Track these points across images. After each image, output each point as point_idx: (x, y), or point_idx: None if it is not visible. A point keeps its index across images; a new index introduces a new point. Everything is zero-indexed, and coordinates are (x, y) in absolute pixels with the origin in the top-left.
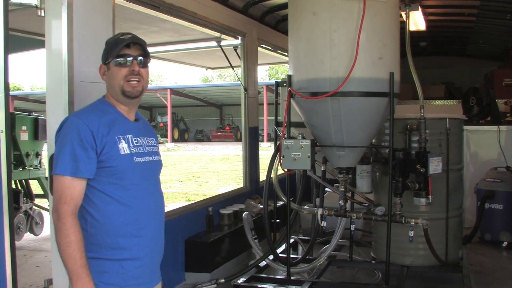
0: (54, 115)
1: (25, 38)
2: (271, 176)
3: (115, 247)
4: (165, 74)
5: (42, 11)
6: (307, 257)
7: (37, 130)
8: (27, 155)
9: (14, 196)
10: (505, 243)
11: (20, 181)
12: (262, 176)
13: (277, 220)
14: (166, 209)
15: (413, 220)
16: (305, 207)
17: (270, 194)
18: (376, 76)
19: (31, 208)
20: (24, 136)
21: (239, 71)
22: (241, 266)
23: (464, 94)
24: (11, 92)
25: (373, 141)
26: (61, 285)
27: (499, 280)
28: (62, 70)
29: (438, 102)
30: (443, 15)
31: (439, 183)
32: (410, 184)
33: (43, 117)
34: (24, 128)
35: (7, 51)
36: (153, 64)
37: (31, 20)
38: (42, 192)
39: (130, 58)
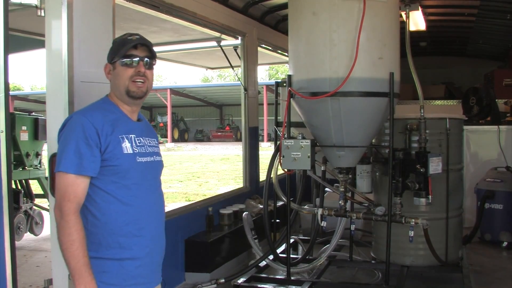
0: (54, 115)
1: (25, 38)
2: (271, 176)
3: (115, 246)
4: (165, 74)
5: (42, 11)
6: (307, 257)
7: (37, 130)
8: (27, 155)
9: (14, 196)
10: (505, 243)
11: (20, 181)
12: (262, 176)
13: (277, 220)
14: (166, 209)
15: (413, 220)
16: (305, 207)
17: (270, 194)
18: (376, 76)
19: (31, 208)
20: (24, 136)
21: (239, 71)
22: (241, 266)
23: (464, 94)
24: (11, 92)
25: (373, 141)
26: (61, 285)
27: (499, 280)
28: (62, 70)
29: (438, 102)
30: (443, 15)
31: (439, 183)
32: (410, 184)
33: (43, 117)
34: (24, 128)
35: (7, 51)
36: None
37: (31, 20)
38: (42, 192)
39: (137, 59)
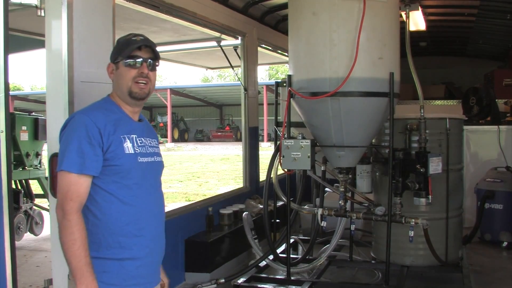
0: (54, 115)
1: (25, 38)
2: (271, 176)
3: (116, 246)
4: (165, 74)
5: (42, 11)
6: (307, 257)
7: (37, 130)
8: (27, 155)
9: (14, 196)
10: (505, 243)
11: (20, 181)
12: (262, 176)
13: (277, 220)
14: (166, 209)
15: (413, 220)
16: (305, 207)
17: (270, 194)
18: (376, 76)
19: (31, 208)
20: (24, 136)
21: (239, 71)
22: (241, 266)
23: (464, 94)
24: (11, 92)
25: (373, 141)
26: (61, 285)
27: (499, 280)
28: (62, 70)
29: (438, 102)
30: (443, 15)
31: (439, 183)
32: (410, 184)
33: (43, 117)
34: (24, 128)
35: (7, 51)
36: None
37: (31, 20)
38: (42, 192)
39: (140, 60)
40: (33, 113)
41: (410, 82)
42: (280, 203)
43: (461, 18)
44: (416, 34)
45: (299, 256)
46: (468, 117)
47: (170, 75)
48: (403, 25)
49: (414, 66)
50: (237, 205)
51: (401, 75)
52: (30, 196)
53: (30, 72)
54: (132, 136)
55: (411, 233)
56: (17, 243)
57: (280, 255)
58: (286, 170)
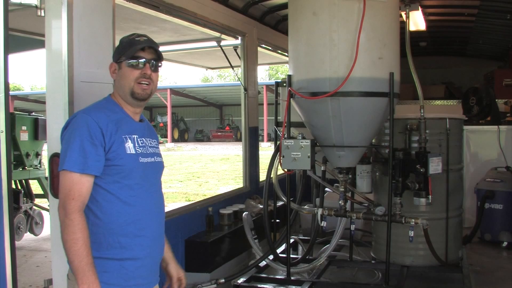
0: (54, 115)
1: (25, 38)
2: (271, 176)
3: (116, 246)
4: (165, 74)
5: (42, 11)
6: (307, 257)
7: (37, 130)
8: (27, 155)
9: (14, 196)
10: (505, 243)
11: (20, 181)
12: (262, 176)
13: (277, 220)
14: (166, 209)
15: (413, 220)
16: (305, 207)
17: (270, 194)
18: (376, 76)
19: (31, 208)
20: (24, 136)
21: (239, 71)
22: (241, 266)
23: (464, 94)
24: (11, 92)
25: (373, 141)
26: (61, 285)
27: (499, 280)
28: (62, 70)
29: (438, 102)
30: (443, 15)
31: (439, 183)
32: (410, 184)
33: (43, 117)
34: (24, 128)
35: (7, 51)
36: None
37: (31, 20)
38: (42, 192)
39: (143, 61)
40: (33, 113)
41: (410, 82)
42: (280, 203)
43: (461, 18)
44: (416, 34)
45: (299, 256)
46: (468, 117)
47: (170, 75)
48: (403, 25)
49: (414, 66)
50: (237, 205)
51: (401, 75)
52: (30, 196)
53: (30, 72)
54: (133, 136)
55: (411, 233)
56: (17, 243)
57: (280, 255)
58: (286, 170)
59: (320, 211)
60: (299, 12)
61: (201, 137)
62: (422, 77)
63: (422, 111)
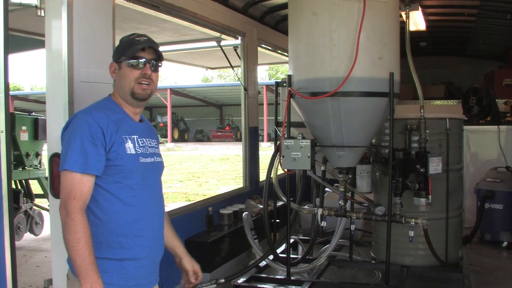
0: (54, 115)
1: (25, 38)
2: (271, 176)
3: (116, 247)
4: (165, 74)
5: (42, 11)
6: (307, 257)
7: (37, 130)
8: (27, 155)
9: (14, 196)
10: (505, 243)
11: (20, 181)
12: (262, 176)
13: (277, 220)
14: (166, 209)
15: (413, 220)
16: (305, 207)
17: (270, 194)
18: (376, 76)
19: (31, 208)
20: (24, 136)
21: (239, 71)
22: (241, 266)
23: (464, 94)
24: (11, 92)
25: (373, 141)
26: (61, 285)
27: (499, 280)
28: (62, 70)
29: (438, 102)
30: (443, 15)
31: (439, 183)
32: (410, 184)
33: (43, 117)
34: (24, 128)
35: (7, 51)
36: None
37: (31, 20)
38: (42, 192)
39: (143, 61)
40: (33, 113)
41: (410, 82)
42: (280, 203)
43: (461, 18)
44: (416, 34)
45: (299, 256)
46: (468, 117)
47: (170, 75)
48: (403, 25)
49: (414, 66)
50: (237, 205)
51: (401, 75)
52: (30, 196)
53: (30, 72)
54: (133, 136)
55: (411, 233)
56: (17, 243)
57: (280, 255)
58: (286, 170)
59: (320, 211)
60: (299, 12)
61: (201, 137)
62: (422, 77)
63: (422, 111)
